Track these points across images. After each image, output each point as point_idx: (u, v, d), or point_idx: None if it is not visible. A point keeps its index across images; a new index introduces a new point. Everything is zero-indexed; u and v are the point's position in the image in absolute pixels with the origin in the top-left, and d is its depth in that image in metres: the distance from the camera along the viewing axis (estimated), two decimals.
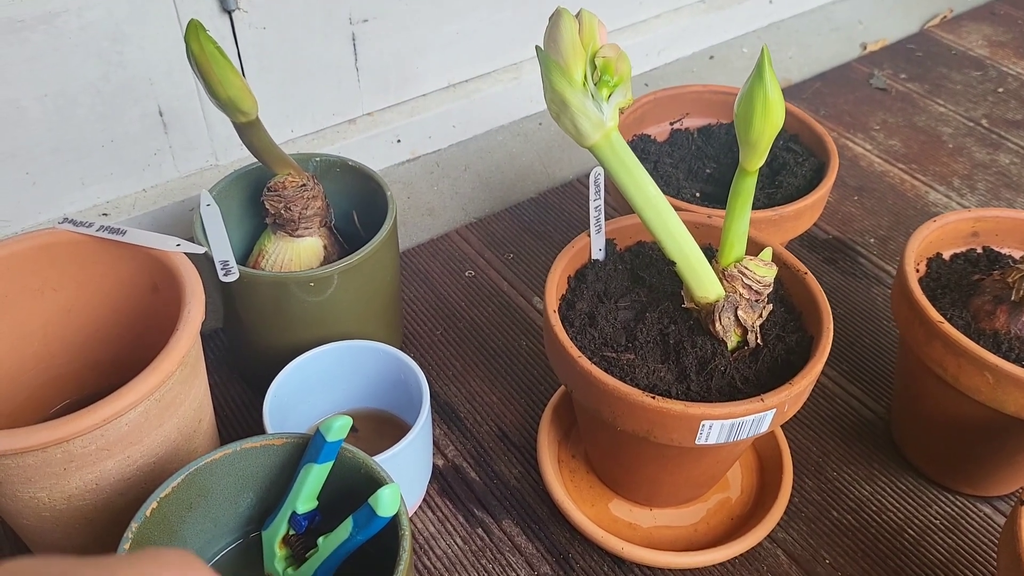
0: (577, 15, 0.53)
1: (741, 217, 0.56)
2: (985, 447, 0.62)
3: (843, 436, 0.72)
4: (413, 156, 0.96)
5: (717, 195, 0.76)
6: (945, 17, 1.33)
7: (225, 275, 0.61)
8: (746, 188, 0.54)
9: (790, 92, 1.14)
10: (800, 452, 0.71)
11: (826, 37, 1.25)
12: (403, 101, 0.94)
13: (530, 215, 0.94)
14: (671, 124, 0.82)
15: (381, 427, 0.68)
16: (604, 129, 0.52)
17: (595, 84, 0.52)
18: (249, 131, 0.62)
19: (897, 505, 0.68)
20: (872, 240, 0.92)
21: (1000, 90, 1.17)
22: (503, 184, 0.97)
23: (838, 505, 0.67)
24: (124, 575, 0.24)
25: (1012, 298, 0.60)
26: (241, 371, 0.75)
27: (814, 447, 0.72)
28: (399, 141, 0.93)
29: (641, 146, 0.79)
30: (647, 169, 0.76)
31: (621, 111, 0.53)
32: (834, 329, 0.81)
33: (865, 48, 1.25)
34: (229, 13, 0.76)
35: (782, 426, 0.72)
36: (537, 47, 0.53)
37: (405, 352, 0.77)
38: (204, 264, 0.61)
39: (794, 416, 0.74)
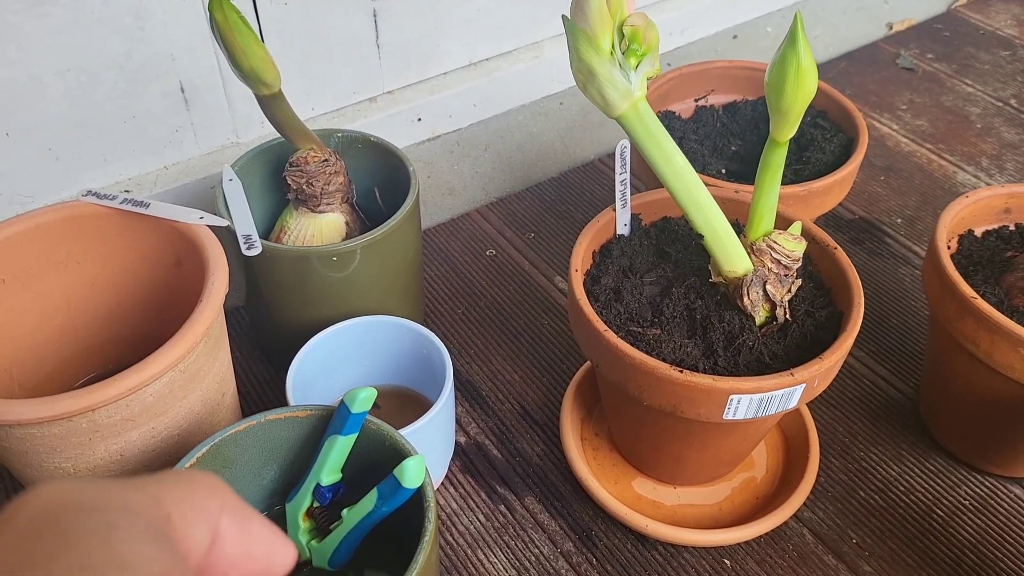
0: None
1: (771, 189, 0.55)
2: (1017, 426, 0.61)
3: (871, 416, 0.72)
4: (433, 135, 0.95)
5: (743, 172, 0.75)
6: None
7: (248, 249, 0.61)
8: (776, 159, 0.53)
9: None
10: (827, 432, 0.70)
11: (852, 16, 1.23)
12: (424, 79, 0.93)
13: (551, 195, 0.93)
14: (696, 101, 0.81)
15: (403, 404, 0.68)
16: (632, 99, 0.51)
17: (623, 53, 0.52)
18: (272, 104, 0.62)
19: (925, 486, 0.67)
20: (899, 220, 0.91)
21: None
22: (524, 164, 0.97)
23: (865, 485, 0.67)
24: (170, 499, 0.24)
25: None
26: (263, 347, 0.75)
27: (841, 427, 0.71)
28: (420, 120, 0.92)
29: (666, 122, 0.78)
30: None
31: (649, 80, 0.52)
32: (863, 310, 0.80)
33: (891, 28, 1.23)
34: None
35: (808, 406, 0.71)
36: (564, 16, 0.52)
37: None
38: (227, 240, 0.61)
39: (821, 396, 0.73)
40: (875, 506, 0.65)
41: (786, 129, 0.51)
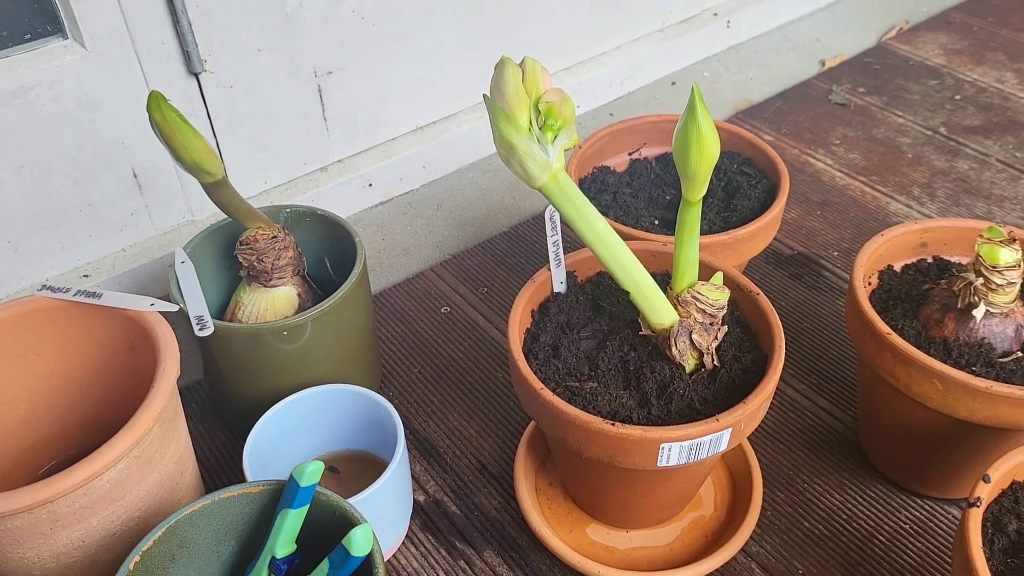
0: (521, 63, 0.56)
1: (690, 245, 0.58)
2: (943, 452, 0.64)
3: (813, 447, 0.74)
4: (386, 198, 0.99)
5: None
6: (901, 29, 1.37)
7: (200, 330, 0.64)
8: (691, 218, 0.57)
9: (751, 112, 1.18)
10: (771, 466, 0.73)
11: (785, 56, 1.29)
12: (373, 146, 0.97)
13: (503, 248, 0.96)
14: (630, 154, 0.85)
15: (362, 467, 0.70)
16: (551, 171, 0.55)
17: (540, 128, 0.55)
18: (217, 190, 0.65)
19: (867, 512, 0.69)
20: (836, 253, 0.95)
21: (957, 97, 1.20)
22: (475, 220, 1.00)
23: (810, 516, 0.69)
24: None
25: (958, 306, 0.62)
26: (224, 420, 0.77)
27: (785, 460, 0.74)
28: (371, 185, 0.96)
29: (601, 177, 0.82)
30: (607, 200, 0.79)
31: (567, 149, 0.56)
32: (801, 343, 0.84)
33: (824, 64, 1.28)
34: (196, 76, 0.79)
35: (752, 441, 0.74)
36: (485, 95, 0.56)
37: (384, 391, 0.80)
38: (183, 319, 0.64)
39: (764, 430, 0.76)
40: (819, 536, 0.68)
41: (695, 190, 0.55)
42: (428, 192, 1.01)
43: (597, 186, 0.80)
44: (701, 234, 0.73)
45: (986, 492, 0.50)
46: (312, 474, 0.51)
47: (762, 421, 0.76)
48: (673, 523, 0.68)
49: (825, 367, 0.82)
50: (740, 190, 0.78)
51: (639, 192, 0.81)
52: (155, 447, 0.55)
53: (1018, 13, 1.40)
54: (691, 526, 0.68)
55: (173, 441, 0.57)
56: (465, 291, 0.91)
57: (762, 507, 0.69)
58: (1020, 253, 0.61)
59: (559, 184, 0.55)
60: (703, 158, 0.53)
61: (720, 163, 0.81)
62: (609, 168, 0.83)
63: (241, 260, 0.70)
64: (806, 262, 0.94)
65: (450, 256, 0.96)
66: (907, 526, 0.68)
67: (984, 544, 0.50)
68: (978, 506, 0.49)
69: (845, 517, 0.69)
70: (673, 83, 1.21)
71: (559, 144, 0.55)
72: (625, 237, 0.71)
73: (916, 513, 0.69)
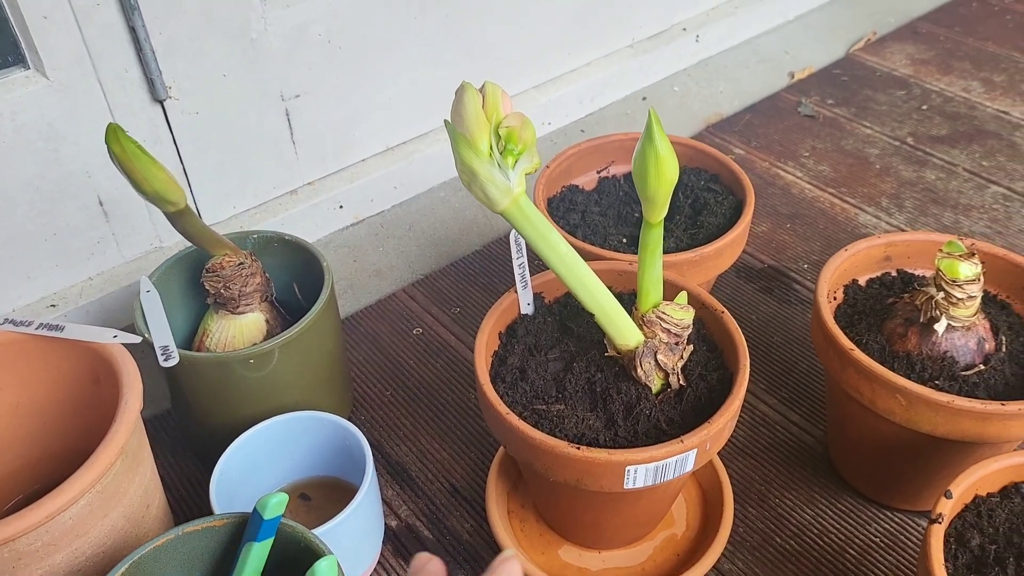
0: (481, 88, 0.56)
1: (652, 265, 0.58)
2: (910, 465, 0.64)
3: (784, 462, 0.75)
4: (357, 220, 0.98)
5: None
6: (869, 40, 1.38)
7: (165, 360, 0.63)
8: (653, 239, 0.57)
9: (722, 126, 1.18)
10: (743, 482, 0.73)
11: (754, 69, 1.30)
12: (343, 168, 0.97)
13: (475, 267, 0.97)
14: (598, 172, 0.85)
15: (333, 493, 0.70)
16: (512, 195, 0.55)
17: (501, 153, 0.55)
18: (180, 219, 0.65)
19: (838, 526, 0.70)
20: (806, 266, 0.96)
21: (924, 107, 1.21)
22: (448, 239, 1.00)
23: (781, 531, 0.70)
24: None
25: (921, 320, 0.63)
26: (194, 449, 0.77)
27: (757, 475, 0.74)
28: (342, 207, 0.96)
29: (570, 196, 0.82)
30: (576, 219, 0.79)
31: (526, 173, 0.56)
32: (772, 357, 0.84)
33: (793, 77, 1.30)
34: (161, 103, 0.78)
35: (723, 457, 0.74)
36: (445, 120, 0.56)
37: (356, 416, 0.79)
38: (151, 348, 0.63)
39: (736, 446, 0.76)
40: (791, 551, 0.68)
41: (655, 212, 0.55)
42: (400, 212, 1.01)
43: (566, 205, 0.81)
44: (668, 252, 0.74)
45: (948, 508, 0.51)
46: (276, 506, 0.51)
47: (733, 437, 0.77)
48: (645, 542, 0.68)
49: (796, 381, 0.82)
50: (707, 207, 0.78)
51: (608, 210, 0.81)
52: (118, 482, 0.54)
53: (984, 22, 1.42)
54: (663, 545, 0.68)
55: (137, 475, 0.57)
56: (437, 311, 0.91)
57: (734, 524, 0.69)
58: (980, 267, 0.61)
59: (521, 208, 0.55)
60: (661, 181, 0.53)
61: (687, 180, 0.81)
62: (578, 187, 0.84)
63: (208, 287, 0.70)
64: (776, 275, 0.94)
65: (422, 276, 0.96)
66: (877, 539, 0.69)
67: (948, 560, 0.51)
68: (940, 522, 0.50)
69: (816, 532, 0.69)
70: (644, 98, 1.22)
71: (520, 168, 0.55)
72: (592, 257, 0.71)
73: (886, 526, 0.70)
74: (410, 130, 1.01)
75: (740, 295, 0.92)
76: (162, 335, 0.65)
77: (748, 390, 0.81)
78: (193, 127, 0.82)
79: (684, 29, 1.25)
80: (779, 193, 1.06)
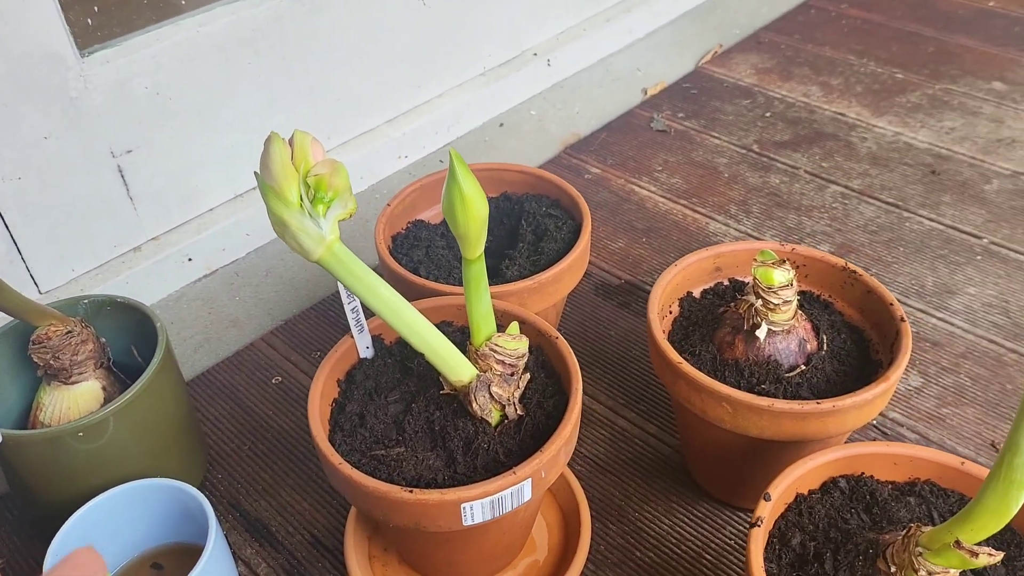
0: (290, 138, 0.56)
1: (479, 299, 0.59)
2: (749, 467, 0.67)
3: (644, 475, 0.76)
4: (209, 271, 0.96)
5: (493, 267, 0.80)
6: (716, 52, 1.44)
7: None
8: (474, 274, 0.58)
9: (578, 146, 1.21)
10: (603, 498, 0.74)
11: (609, 88, 1.34)
12: (188, 220, 0.94)
13: (336, 309, 0.96)
14: None
15: (186, 559, 0.68)
16: (325, 243, 0.54)
17: (311, 201, 0.55)
18: None
19: (695, 533, 0.72)
20: None
21: (768, 114, 1.27)
22: (307, 282, 0.99)
23: (641, 545, 0.71)
24: None
25: (745, 327, 0.66)
26: (40, 528, 0.73)
27: (616, 491, 0.75)
28: (190, 259, 0.93)
29: (415, 232, 0.82)
30: (420, 255, 0.80)
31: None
32: (630, 371, 0.86)
33: (646, 93, 1.34)
34: None
35: (583, 475, 0.75)
36: (255, 172, 0.55)
37: (211, 475, 0.77)
38: None
39: (596, 463, 0.77)
40: (651, 563, 0.69)
41: (471, 249, 0.56)
42: (255, 259, 0.99)
43: (410, 241, 0.81)
44: (511, 280, 0.75)
45: (767, 510, 0.53)
46: None
47: (593, 454, 0.78)
48: (508, 572, 0.68)
49: (653, 393, 0.84)
50: (548, 233, 0.79)
51: (453, 243, 0.81)
52: None
53: (821, 28, 1.50)
54: (525, 572, 0.68)
55: None
56: (297, 358, 0.89)
57: (595, 542, 0.70)
58: (792, 272, 0.64)
59: (336, 255, 0.55)
60: (470, 219, 0.54)
61: (529, 207, 0.83)
62: (424, 221, 0.84)
63: (36, 360, 0.67)
64: (633, 290, 0.97)
65: (282, 322, 0.94)
66: (732, 541, 0.71)
67: (772, 560, 0.52)
68: (759, 526, 0.51)
69: (675, 541, 0.71)
70: (501, 124, 1.23)
71: (332, 216, 0.55)
72: (433, 293, 0.72)
73: (740, 527, 0.72)
74: None
75: (599, 312, 0.94)
76: None
77: (607, 406, 0.82)
78: (17, 194, 0.79)
79: (535, 54, 1.27)
80: (634, 208, 1.09)
